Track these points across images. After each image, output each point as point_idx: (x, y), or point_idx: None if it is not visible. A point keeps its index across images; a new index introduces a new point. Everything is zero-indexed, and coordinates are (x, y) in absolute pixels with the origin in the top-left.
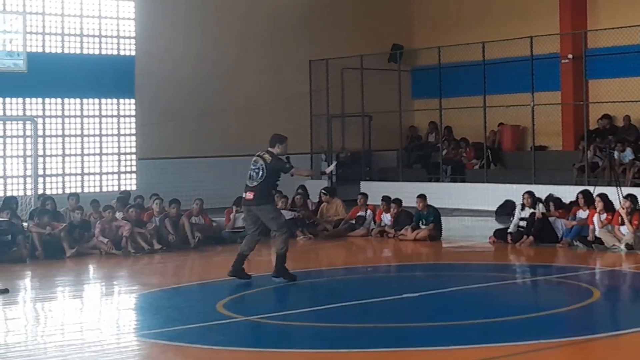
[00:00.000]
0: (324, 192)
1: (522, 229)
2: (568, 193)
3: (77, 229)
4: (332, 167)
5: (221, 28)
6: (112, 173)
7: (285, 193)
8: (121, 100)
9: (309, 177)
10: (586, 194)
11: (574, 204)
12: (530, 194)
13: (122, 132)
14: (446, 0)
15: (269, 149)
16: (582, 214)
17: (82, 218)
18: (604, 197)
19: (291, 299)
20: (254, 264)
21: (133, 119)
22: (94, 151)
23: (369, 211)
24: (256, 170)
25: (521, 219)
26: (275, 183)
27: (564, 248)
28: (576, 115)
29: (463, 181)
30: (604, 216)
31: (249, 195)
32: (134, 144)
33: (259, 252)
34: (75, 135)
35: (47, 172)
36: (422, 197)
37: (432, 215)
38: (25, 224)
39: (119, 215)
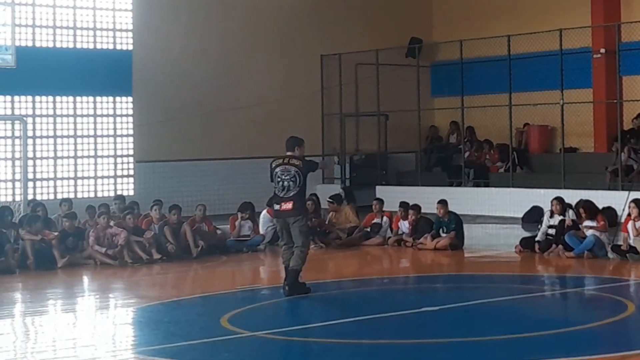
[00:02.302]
0: (330, 200)
1: (550, 238)
2: (601, 198)
3: (70, 237)
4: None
5: (226, 20)
6: (108, 177)
7: None
8: (117, 98)
9: (326, 169)
10: (589, 206)
11: (606, 210)
12: (559, 199)
13: (118, 132)
14: None
15: (289, 153)
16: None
17: (73, 225)
18: (639, 203)
19: (301, 313)
20: (259, 274)
21: (130, 119)
22: (88, 153)
23: (385, 218)
24: (292, 179)
25: (550, 226)
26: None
27: (599, 259)
28: (609, 115)
29: (487, 186)
30: (639, 223)
31: (288, 205)
32: (131, 145)
33: (262, 262)
34: (68, 136)
35: (38, 176)
36: (442, 202)
37: (454, 223)
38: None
39: (113, 222)
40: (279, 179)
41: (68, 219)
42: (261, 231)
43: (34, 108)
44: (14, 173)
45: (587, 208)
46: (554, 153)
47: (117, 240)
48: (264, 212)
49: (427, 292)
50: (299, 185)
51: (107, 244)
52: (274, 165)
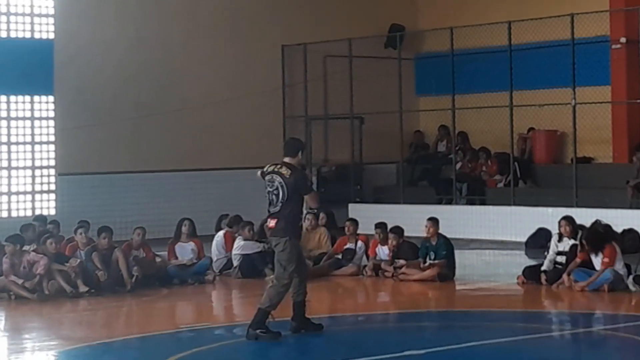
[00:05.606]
0: (311, 213)
1: (559, 266)
2: (620, 219)
3: None
4: None
5: (166, 3)
6: (24, 193)
7: (249, 218)
8: (36, 98)
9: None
10: (591, 238)
11: (627, 233)
12: (569, 220)
13: (37, 139)
14: None
15: (285, 159)
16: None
17: None
18: None
19: (257, 358)
20: (206, 311)
21: (51, 122)
22: (0, 164)
23: (359, 243)
24: (275, 192)
25: (558, 253)
26: (302, 206)
27: (617, 293)
28: (631, 117)
29: (483, 203)
30: None
31: (272, 223)
32: (52, 154)
33: (209, 295)
34: None
35: None
36: (433, 220)
37: (443, 248)
38: None
39: (28, 247)
40: (267, 191)
41: None
42: (213, 257)
43: None
44: None
45: (589, 240)
46: (564, 164)
47: (36, 269)
48: (220, 234)
49: (411, 332)
50: (281, 201)
51: (24, 273)
52: (265, 173)
